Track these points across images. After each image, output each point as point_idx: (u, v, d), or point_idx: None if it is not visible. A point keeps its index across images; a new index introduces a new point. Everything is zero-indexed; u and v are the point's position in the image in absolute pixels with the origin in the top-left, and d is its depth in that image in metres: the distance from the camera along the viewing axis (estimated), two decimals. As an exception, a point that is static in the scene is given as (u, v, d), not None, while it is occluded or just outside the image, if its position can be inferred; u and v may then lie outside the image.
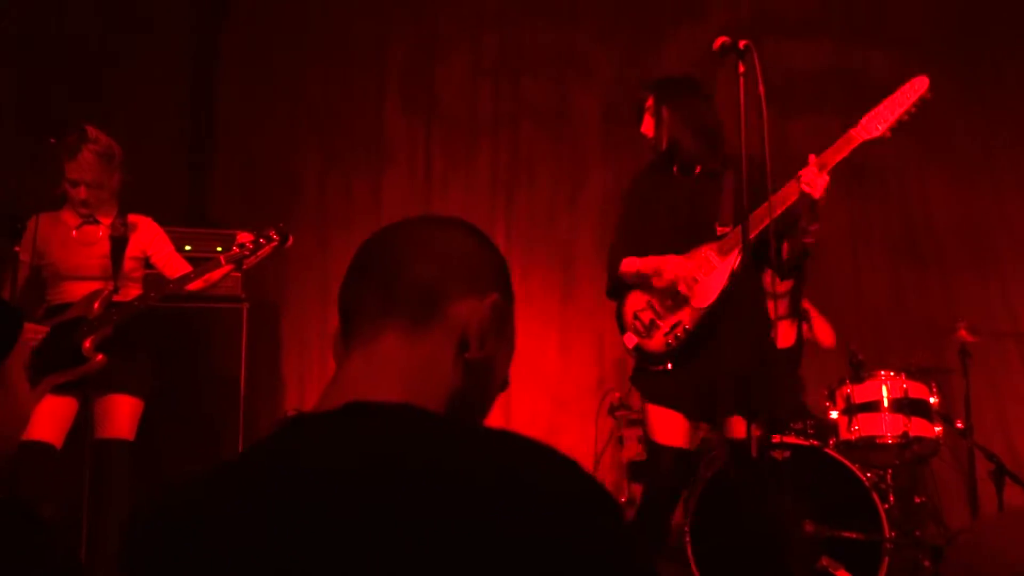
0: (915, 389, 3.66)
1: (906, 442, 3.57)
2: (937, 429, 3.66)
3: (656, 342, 2.95)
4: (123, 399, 3.21)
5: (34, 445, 3.08)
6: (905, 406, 3.60)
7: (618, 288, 3.07)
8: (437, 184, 5.04)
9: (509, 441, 0.84)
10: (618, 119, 4.99)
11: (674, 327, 2.92)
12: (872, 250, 5.02)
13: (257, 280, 4.32)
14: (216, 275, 3.31)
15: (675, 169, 3.04)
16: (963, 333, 3.88)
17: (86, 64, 4.55)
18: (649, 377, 2.99)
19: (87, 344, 3.16)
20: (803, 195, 2.75)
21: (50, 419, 3.14)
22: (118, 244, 3.30)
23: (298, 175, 4.94)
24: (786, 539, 3.30)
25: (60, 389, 3.17)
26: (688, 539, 3.39)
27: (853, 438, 3.63)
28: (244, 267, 3.27)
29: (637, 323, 2.99)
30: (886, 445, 3.61)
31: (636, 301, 3.00)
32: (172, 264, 3.40)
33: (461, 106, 5.11)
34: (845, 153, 2.78)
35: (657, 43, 5.10)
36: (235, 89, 4.93)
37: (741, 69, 2.60)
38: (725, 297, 2.88)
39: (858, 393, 3.67)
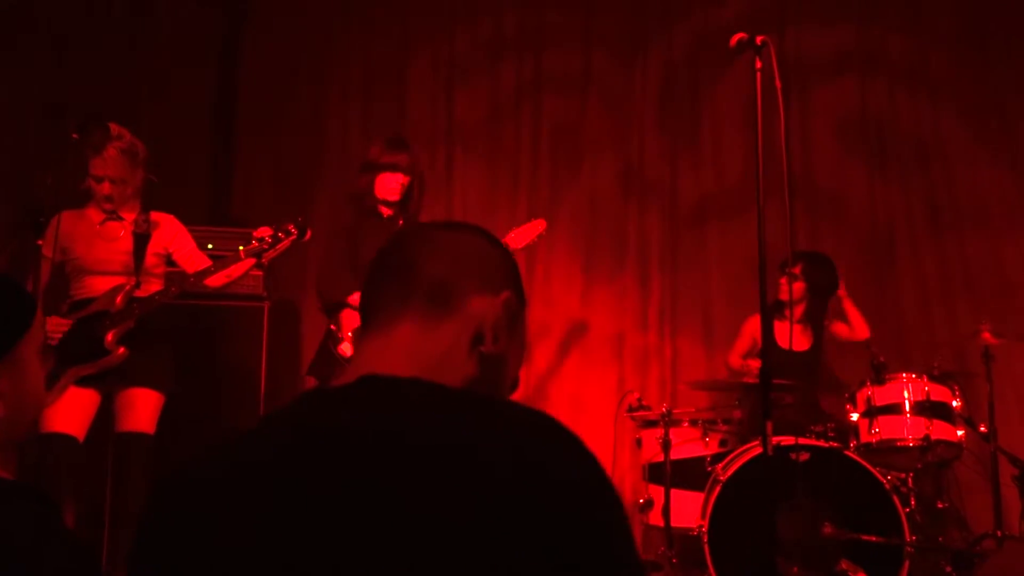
0: (937, 392, 3.62)
1: (928, 445, 3.53)
2: (960, 433, 3.61)
3: None
4: (144, 393, 3.24)
5: (57, 437, 3.10)
6: (927, 409, 3.57)
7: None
8: (458, 181, 5.07)
9: (516, 413, 0.86)
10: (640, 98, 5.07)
11: None
12: (895, 252, 4.98)
13: (277, 279, 4.34)
14: (237, 270, 3.34)
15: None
16: (986, 336, 3.82)
17: (110, 64, 4.61)
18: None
19: (109, 337, 3.20)
20: None
21: (73, 412, 3.16)
22: (141, 240, 3.33)
23: (320, 175, 4.96)
24: (805, 542, 3.28)
25: (83, 382, 3.20)
26: (706, 541, 3.37)
27: (874, 441, 3.59)
28: (264, 261, 3.30)
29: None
30: (907, 448, 3.58)
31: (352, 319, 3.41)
32: (194, 260, 3.43)
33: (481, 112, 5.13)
34: None
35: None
36: (257, 88, 4.96)
37: (758, 65, 2.60)
38: None
39: (879, 395, 3.64)
